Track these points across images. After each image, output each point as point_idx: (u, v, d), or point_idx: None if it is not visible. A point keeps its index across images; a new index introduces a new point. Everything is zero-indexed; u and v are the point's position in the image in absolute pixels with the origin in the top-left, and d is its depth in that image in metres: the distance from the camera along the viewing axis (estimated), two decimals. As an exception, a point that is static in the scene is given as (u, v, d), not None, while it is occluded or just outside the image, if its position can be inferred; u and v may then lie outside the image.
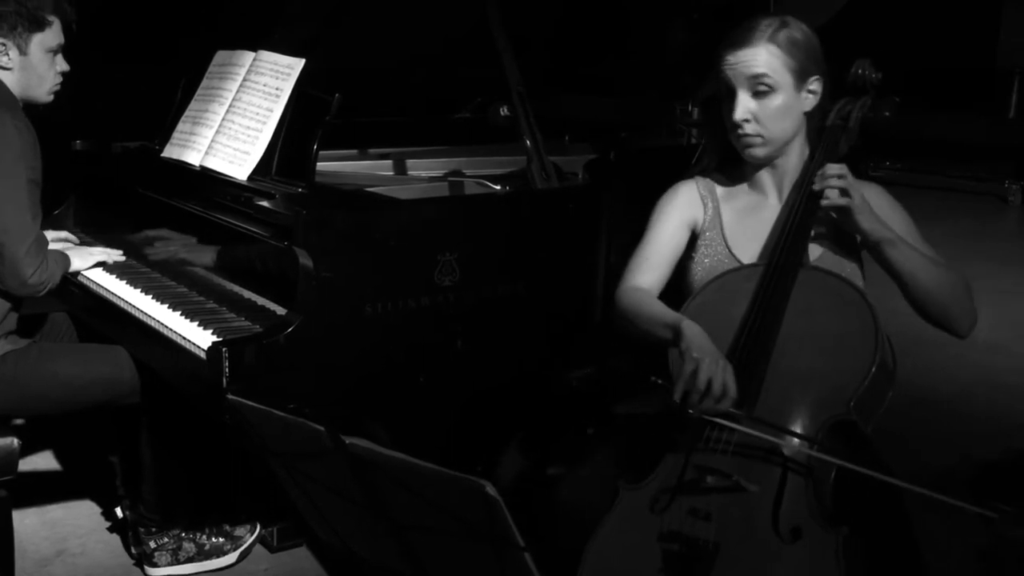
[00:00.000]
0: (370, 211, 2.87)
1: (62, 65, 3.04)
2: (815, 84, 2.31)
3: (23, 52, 2.94)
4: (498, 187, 3.26)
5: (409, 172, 3.62)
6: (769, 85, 2.25)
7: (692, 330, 2.18)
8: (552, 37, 4.33)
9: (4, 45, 2.92)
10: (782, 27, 2.28)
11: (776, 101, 2.27)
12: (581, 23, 4.46)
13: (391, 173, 3.61)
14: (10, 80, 2.96)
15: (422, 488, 1.63)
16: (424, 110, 4.11)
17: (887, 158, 8.43)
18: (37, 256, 2.83)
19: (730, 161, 2.45)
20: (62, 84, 3.08)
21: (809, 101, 2.31)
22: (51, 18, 2.97)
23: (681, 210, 2.47)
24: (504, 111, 3.10)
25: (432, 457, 1.58)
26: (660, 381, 2.12)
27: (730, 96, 2.30)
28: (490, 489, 1.51)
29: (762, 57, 2.25)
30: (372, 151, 3.74)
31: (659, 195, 2.54)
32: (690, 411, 2.08)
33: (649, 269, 2.45)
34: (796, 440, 2.09)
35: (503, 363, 3.00)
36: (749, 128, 2.28)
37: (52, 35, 2.98)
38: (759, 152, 2.32)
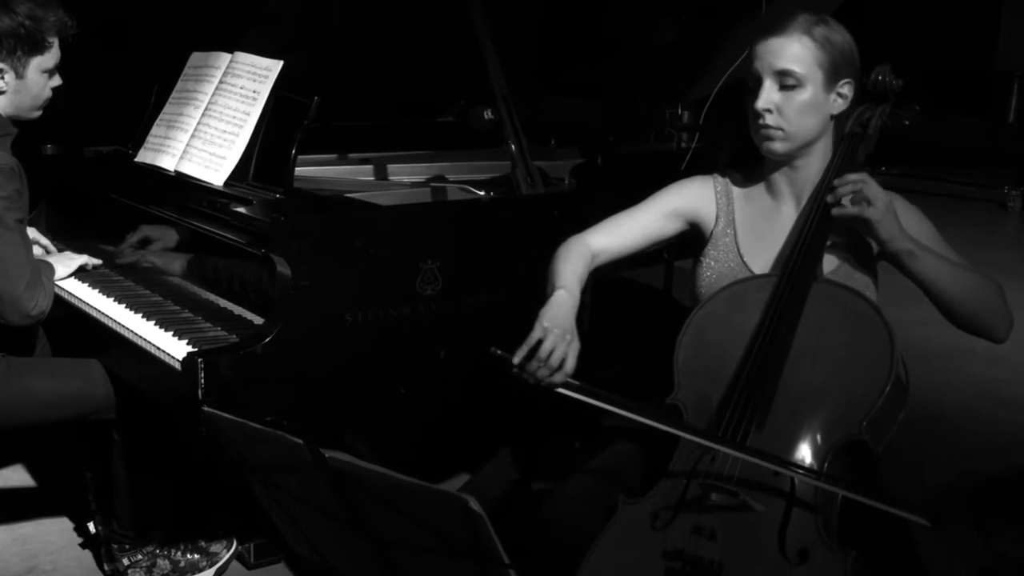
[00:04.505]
0: (350, 218, 2.82)
1: (56, 82, 2.98)
2: (846, 88, 2.25)
3: (19, 76, 2.88)
4: (482, 193, 3.22)
5: (390, 177, 3.60)
6: (797, 79, 2.20)
7: (558, 299, 2.22)
8: (538, 37, 4.30)
9: (1, 70, 2.85)
10: (820, 23, 2.23)
11: (802, 96, 2.21)
12: (566, 24, 4.43)
13: (372, 178, 3.59)
14: (2, 103, 2.90)
15: (404, 503, 1.60)
16: (406, 113, 4.06)
17: (882, 163, 8.41)
18: (35, 288, 2.79)
19: (749, 161, 2.39)
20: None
21: (838, 104, 2.26)
22: (51, 39, 2.90)
23: (684, 199, 2.43)
24: (488, 114, 3.05)
25: (414, 471, 1.55)
26: (499, 352, 2.11)
27: (756, 86, 2.24)
28: (473, 504, 1.49)
29: (794, 48, 2.20)
30: (352, 156, 3.71)
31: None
32: (524, 378, 2.10)
33: (610, 233, 2.44)
34: (802, 461, 2.04)
35: (487, 374, 2.94)
36: (770, 119, 2.22)
37: (51, 57, 2.92)
38: (778, 147, 2.25)
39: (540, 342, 2.11)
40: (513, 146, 3.06)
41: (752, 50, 2.25)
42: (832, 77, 2.22)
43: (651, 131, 3.81)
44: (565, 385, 2.10)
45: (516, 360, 2.10)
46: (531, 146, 3.11)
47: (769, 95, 2.21)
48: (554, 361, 2.09)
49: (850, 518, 2.02)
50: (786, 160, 2.29)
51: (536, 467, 3.28)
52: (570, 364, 2.12)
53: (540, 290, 2.98)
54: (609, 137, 3.81)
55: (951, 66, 9.61)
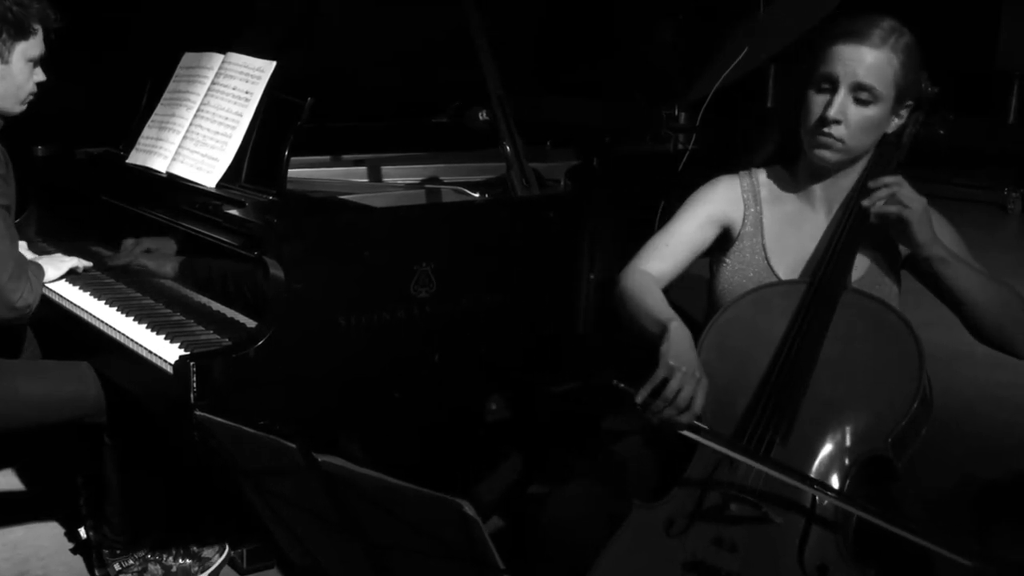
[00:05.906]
0: (343, 220, 2.80)
1: (39, 76, 2.96)
2: (905, 110, 2.20)
3: (4, 61, 2.86)
4: (477, 195, 3.19)
5: (384, 179, 3.57)
6: (874, 96, 2.12)
7: (678, 334, 2.10)
8: (538, 37, 4.29)
9: None
10: (903, 35, 2.15)
11: (871, 112, 2.13)
12: (566, 24, 4.43)
13: (365, 180, 3.56)
14: None
15: (398, 507, 1.59)
16: (406, 114, 4.04)
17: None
18: (20, 280, 2.76)
19: (786, 161, 2.34)
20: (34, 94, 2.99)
21: (894, 125, 2.20)
22: (36, 26, 2.89)
23: (715, 205, 2.36)
24: (483, 115, 3.03)
25: (408, 475, 1.53)
26: (622, 385, 2.02)
27: (830, 90, 2.15)
28: (468, 508, 1.47)
29: (880, 63, 2.12)
30: (346, 157, 3.69)
31: (644, 202, 2.47)
32: (648, 417, 2.01)
33: (662, 257, 2.36)
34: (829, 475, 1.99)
35: (482, 378, 2.92)
36: (836, 130, 2.14)
37: (35, 44, 2.90)
38: (832, 157, 2.18)
39: (666, 381, 2.01)
40: (508, 147, 3.04)
41: (831, 49, 2.14)
42: (901, 98, 2.17)
43: (648, 132, 3.79)
44: (691, 428, 2.01)
45: (639, 399, 2.00)
46: (526, 147, 3.08)
47: (844, 105, 2.12)
48: (681, 401, 1.99)
49: (868, 534, 1.98)
50: (831, 169, 2.24)
51: (534, 471, 3.26)
52: (698, 404, 2.01)
53: (536, 292, 2.99)
54: (605, 138, 3.79)
55: (951, 66, 9.56)
